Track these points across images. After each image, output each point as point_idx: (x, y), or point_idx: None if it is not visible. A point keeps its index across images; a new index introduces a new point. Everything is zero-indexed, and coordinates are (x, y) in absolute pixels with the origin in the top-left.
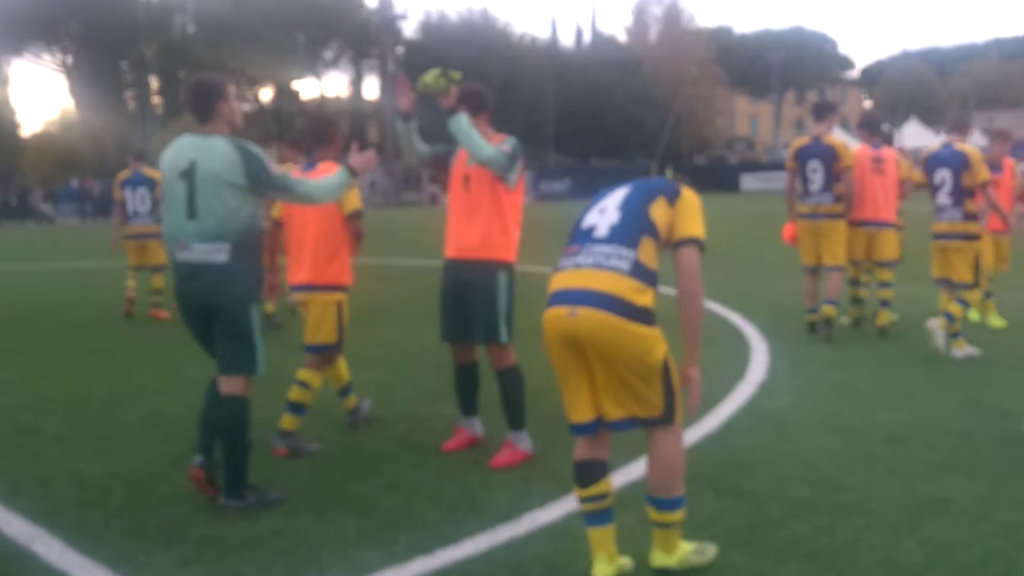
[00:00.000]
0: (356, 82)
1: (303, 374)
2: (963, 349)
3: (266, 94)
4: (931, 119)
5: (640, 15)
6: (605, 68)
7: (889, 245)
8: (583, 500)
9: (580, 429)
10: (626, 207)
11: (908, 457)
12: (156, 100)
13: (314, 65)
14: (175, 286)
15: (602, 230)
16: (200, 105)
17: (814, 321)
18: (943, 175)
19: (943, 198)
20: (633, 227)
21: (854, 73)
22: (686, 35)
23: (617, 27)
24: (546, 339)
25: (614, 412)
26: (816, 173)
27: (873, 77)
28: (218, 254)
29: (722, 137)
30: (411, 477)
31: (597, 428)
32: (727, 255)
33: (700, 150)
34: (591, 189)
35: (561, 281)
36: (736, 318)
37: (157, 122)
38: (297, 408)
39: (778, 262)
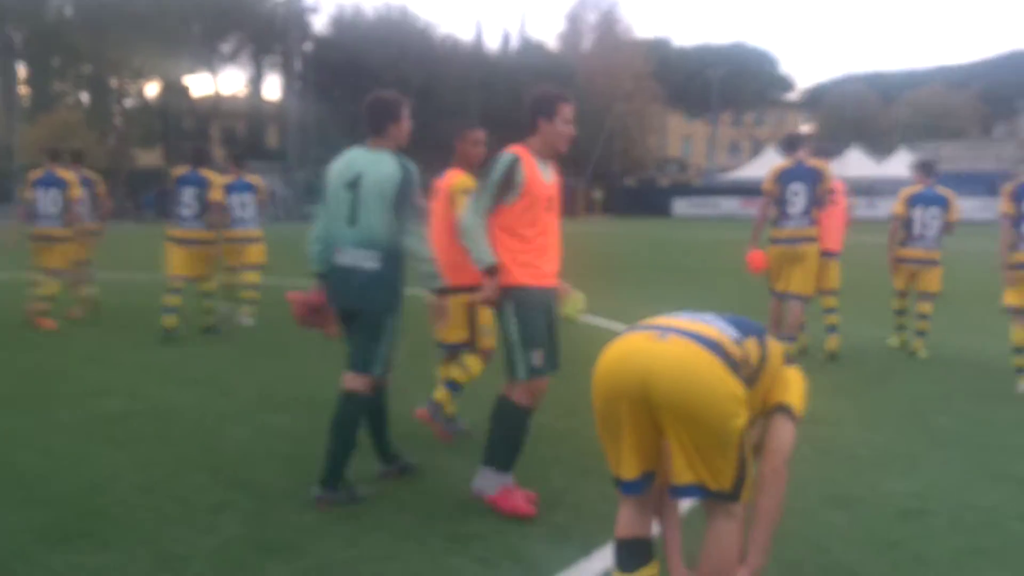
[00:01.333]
0: (256, 80)
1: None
2: None
3: (152, 89)
4: (875, 146)
5: (574, 21)
6: (534, 76)
7: (832, 274)
8: None
9: (628, 487)
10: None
11: (930, 538)
12: (24, 91)
13: (209, 59)
14: (330, 287)
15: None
16: (375, 121)
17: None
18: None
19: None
20: (746, 324)
21: (795, 95)
22: (622, 45)
23: (548, 34)
24: (603, 373)
25: (684, 475)
26: (798, 196)
27: (815, 99)
28: (370, 261)
29: (654, 158)
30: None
31: (645, 487)
32: (684, 281)
33: (630, 171)
34: None
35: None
36: None
37: (23, 115)
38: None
39: (735, 292)
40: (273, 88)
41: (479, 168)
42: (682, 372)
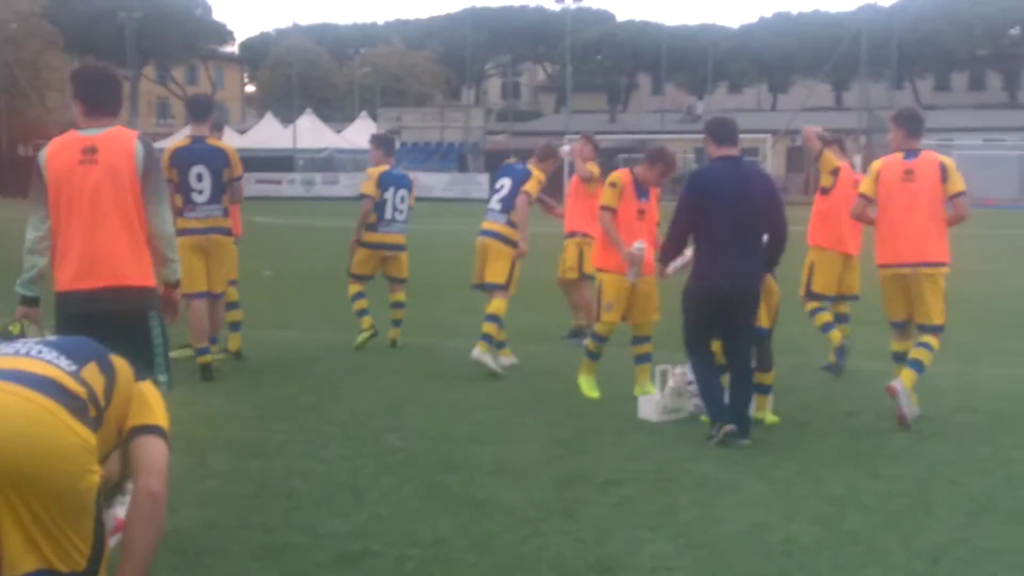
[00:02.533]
0: None
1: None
2: None
3: None
4: (329, 113)
5: None
6: None
7: None
8: None
9: None
10: None
11: None
12: None
13: None
14: None
15: None
16: None
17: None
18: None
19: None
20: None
21: (234, 48)
22: None
23: None
24: None
25: (24, 562)
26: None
27: (257, 54)
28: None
29: (58, 121)
30: None
31: None
32: None
33: (25, 137)
34: None
35: None
36: None
37: None
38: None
39: None
40: None
41: None
42: (10, 428)
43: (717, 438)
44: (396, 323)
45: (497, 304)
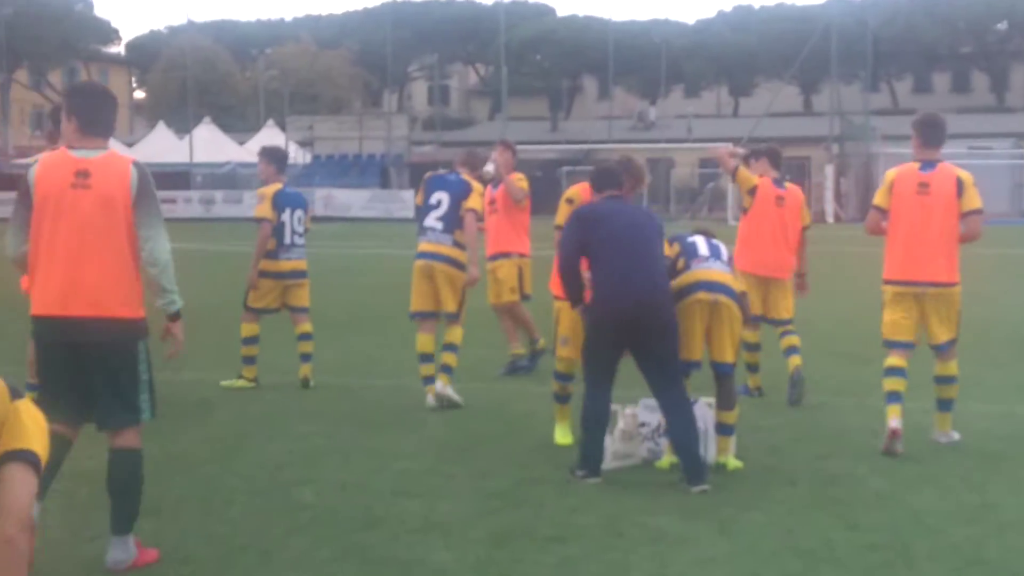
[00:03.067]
0: None
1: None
2: None
3: None
4: (231, 122)
5: None
6: None
7: None
8: None
9: None
10: None
11: None
12: None
13: None
14: None
15: None
16: None
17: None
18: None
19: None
20: None
21: (119, 48)
22: None
23: None
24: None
25: None
26: None
27: (147, 55)
28: None
29: None
30: None
31: None
32: None
33: None
34: None
35: None
36: None
37: None
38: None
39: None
40: None
41: None
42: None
43: (584, 479)
44: (306, 358)
45: (456, 332)
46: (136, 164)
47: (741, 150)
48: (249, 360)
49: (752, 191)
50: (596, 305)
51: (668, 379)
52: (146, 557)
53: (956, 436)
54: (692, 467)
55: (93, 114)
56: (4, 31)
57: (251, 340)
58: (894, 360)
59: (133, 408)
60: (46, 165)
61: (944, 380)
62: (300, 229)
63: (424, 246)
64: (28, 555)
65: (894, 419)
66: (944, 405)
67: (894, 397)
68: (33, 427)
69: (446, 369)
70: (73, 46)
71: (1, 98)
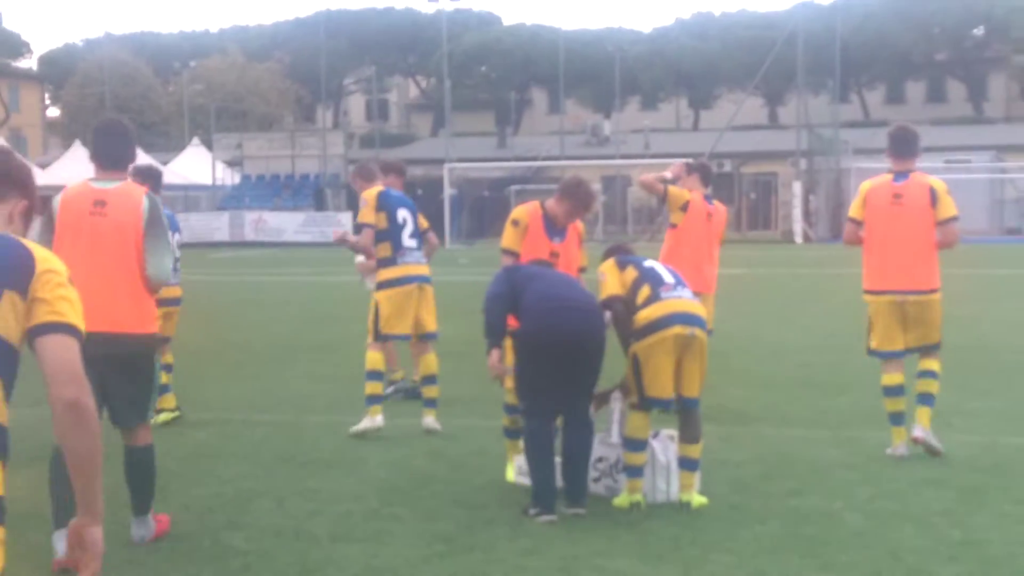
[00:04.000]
0: None
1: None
2: None
3: None
4: (153, 140)
5: None
6: None
7: None
8: None
9: None
10: None
11: None
12: None
13: None
14: None
15: None
16: None
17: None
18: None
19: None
20: None
21: (31, 63)
22: None
23: None
24: None
25: None
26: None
27: (62, 70)
28: None
29: None
30: None
31: None
32: None
33: None
34: None
35: None
36: None
37: None
38: None
39: None
40: None
41: None
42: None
43: (537, 517)
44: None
45: (433, 360)
46: (148, 195)
47: (669, 174)
48: (165, 388)
49: (684, 207)
50: (536, 328)
51: (584, 396)
52: (162, 526)
53: (936, 444)
54: (576, 488)
55: (111, 150)
56: None
57: (165, 367)
58: (892, 378)
59: (144, 410)
60: (68, 195)
61: (926, 375)
62: (179, 253)
63: (412, 268)
64: (96, 419)
65: (908, 435)
66: (925, 399)
67: (897, 419)
68: (72, 305)
69: (431, 403)
70: None
71: None
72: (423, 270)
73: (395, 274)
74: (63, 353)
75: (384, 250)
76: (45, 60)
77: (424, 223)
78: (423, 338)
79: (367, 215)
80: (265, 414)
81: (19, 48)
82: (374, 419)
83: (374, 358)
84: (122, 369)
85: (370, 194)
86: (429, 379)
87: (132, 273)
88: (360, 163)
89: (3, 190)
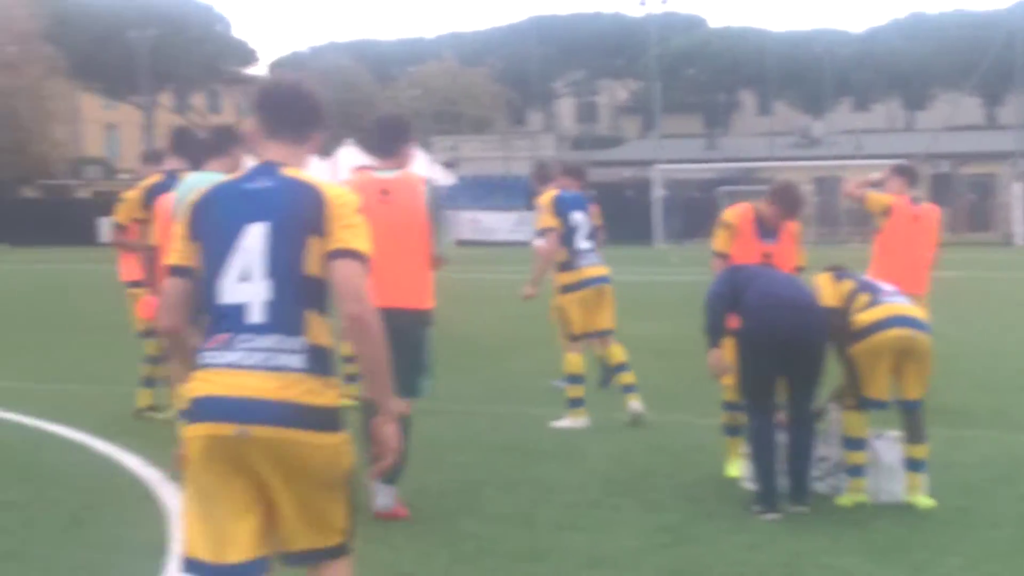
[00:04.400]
0: None
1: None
2: None
3: None
4: (367, 141)
5: None
6: None
7: None
8: None
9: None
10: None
11: None
12: None
13: None
14: None
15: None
16: None
17: None
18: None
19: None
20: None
21: (259, 68)
22: None
23: None
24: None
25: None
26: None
27: None
28: None
29: (65, 157)
30: None
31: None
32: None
33: (30, 177)
34: None
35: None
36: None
37: None
38: None
39: None
40: None
41: None
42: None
43: (762, 515)
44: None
45: (619, 349)
46: (428, 183)
47: (875, 176)
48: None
49: (887, 211)
50: (750, 332)
51: (806, 394)
52: (400, 512)
53: None
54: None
55: (387, 144)
56: (147, 54)
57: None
58: None
59: (415, 383)
60: (356, 185)
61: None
62: None
63: (594, 270)
64: (380, 329)
65: None
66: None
67: None
68: (357, 233)
69: (631, 388)
70: (215, 68)
71: (147, 122)
72: (602, 271)
73: (575, 278)
74: (348, 275)
75: (561, 255)
76: (275, 67)
77: (597, 220)
78: (602, 335)
79: (547, 220)
80: (487, 405)
81: (248, 56)
82: (575, 420)
83: (573, 360)
84: (401, 342)
85: (545, 199)
86: (621, 367)
87: (418, 254)
88: (537, 163)
89: (307, 131)
